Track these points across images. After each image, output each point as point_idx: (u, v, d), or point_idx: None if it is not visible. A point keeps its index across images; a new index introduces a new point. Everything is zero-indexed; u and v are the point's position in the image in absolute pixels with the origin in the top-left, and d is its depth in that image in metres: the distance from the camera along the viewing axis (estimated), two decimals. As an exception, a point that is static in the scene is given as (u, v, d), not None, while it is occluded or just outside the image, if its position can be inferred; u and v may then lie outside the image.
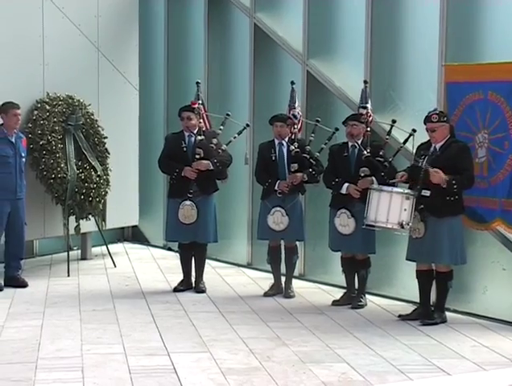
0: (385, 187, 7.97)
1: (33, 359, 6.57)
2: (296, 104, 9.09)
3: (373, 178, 8.24)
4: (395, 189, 7.91)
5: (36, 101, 9.98)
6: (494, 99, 7.82)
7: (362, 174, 8.31)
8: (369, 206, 7.95)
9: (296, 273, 9.42)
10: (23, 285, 9.22)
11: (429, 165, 7.66)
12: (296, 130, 8.93)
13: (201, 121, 9.04)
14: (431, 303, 8.06)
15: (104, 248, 10.83)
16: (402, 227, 7.79)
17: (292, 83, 9.13)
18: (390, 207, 7.81)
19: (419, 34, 8.80)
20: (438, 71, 8.36)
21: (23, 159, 9.21)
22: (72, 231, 10.13)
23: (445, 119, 7.81)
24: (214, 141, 8.92)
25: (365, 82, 8.65)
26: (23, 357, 6.62)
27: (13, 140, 9.11)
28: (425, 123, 7.82)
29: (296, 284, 9.24)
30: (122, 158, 11.03)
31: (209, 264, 9.99)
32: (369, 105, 8.53)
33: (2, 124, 9.09)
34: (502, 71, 7.74)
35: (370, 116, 8.54)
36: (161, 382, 6.06)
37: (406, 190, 7.86)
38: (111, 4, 11.09)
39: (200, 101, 9.18)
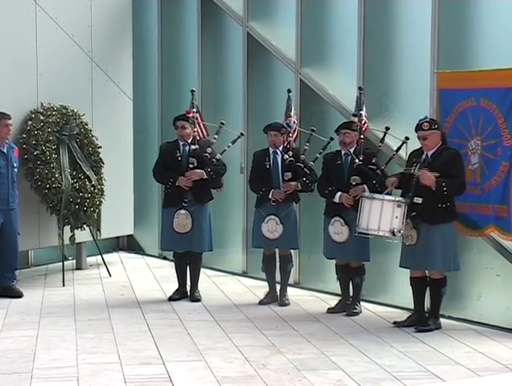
0: (376, 195, 7.99)
1: (28, 369, 6.56)
2: (292, 113, 9.11)
3: (365, 187, 8.27)
4: (387, 197, 7.92)
5: (30, 112, 9.99)
6: (486, 106, 7.85)
7: (354, 183, 8.33)
8: (361, 214, 7.98)
9: (291, 280, 9.44)
10: (18, 295, 9.22)
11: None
12: (292, 139, 8.94)
13: (196, 130, 9.05)
14: (426, 310, 8.07)
15: (99, 257, 10.82)
16: (394, 235, 7.81)
17: (289, 91, 9.13)
18: (382, 215, 7.84)
19: (412, 42, 8.83)
20: (430, 78, 8.39)
21: (15, 169, 9.23)
22: (66, 241, 10.12)
23: (436, 126, 7.82)
24: (208, 150, 8.93)
25: (360, 88, 8.67)
26: (19, 367, 6.62)
27: (5, 150, 9.13)
28: (416, 131, 7.83)
29: (291, 292, 9.25)
30: (117, 167, 11.04)
31: (204, 273, 9.98)
32: (363, 112, 8.54)
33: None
34: (494, 78, 7.77)
35: (365, 123, 8.56)
36: (156, 391, 6.09)
37: (398, 198, 7.87)
38: (104, 14, 11.10)
39: (195, 109, 9.17)
